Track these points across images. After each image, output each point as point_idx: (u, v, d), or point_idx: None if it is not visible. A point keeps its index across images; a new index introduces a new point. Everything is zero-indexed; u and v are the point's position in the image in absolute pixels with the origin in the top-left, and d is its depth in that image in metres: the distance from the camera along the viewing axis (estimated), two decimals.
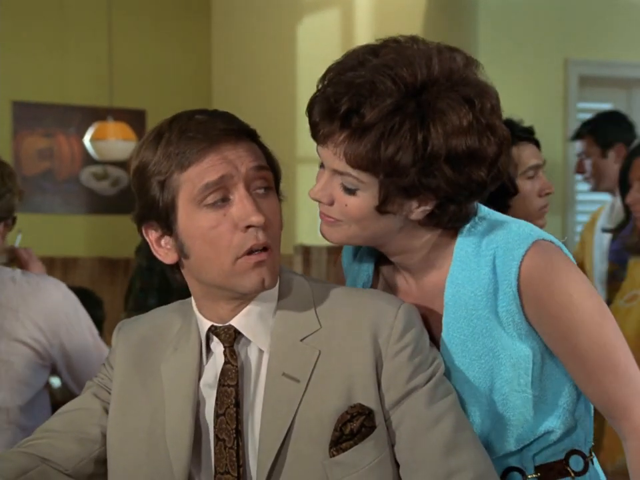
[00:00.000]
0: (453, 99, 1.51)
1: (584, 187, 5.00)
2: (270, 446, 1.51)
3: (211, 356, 1.60)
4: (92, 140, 6.28)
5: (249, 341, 1.58)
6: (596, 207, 5.02)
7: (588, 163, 4.28)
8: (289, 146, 5.91)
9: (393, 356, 1.53)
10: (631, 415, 1.57)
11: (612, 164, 4.19)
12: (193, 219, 1.53)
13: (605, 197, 5.04)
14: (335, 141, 1.53)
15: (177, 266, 1.61)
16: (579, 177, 4.94)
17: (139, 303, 4.40)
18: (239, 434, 1.54)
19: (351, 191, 1.55)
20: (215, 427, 1.56)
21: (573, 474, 1.67)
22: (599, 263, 3.95)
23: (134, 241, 4.09)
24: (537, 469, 1.67)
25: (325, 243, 1.73)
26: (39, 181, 7.24)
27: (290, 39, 6.65)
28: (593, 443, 1.73)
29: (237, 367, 1.56)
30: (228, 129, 1.54)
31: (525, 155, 2.59)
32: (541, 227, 2.08)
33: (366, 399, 1.51)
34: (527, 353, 1.60)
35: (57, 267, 6.72)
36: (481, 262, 1.59)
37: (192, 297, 1.64)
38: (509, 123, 2.58)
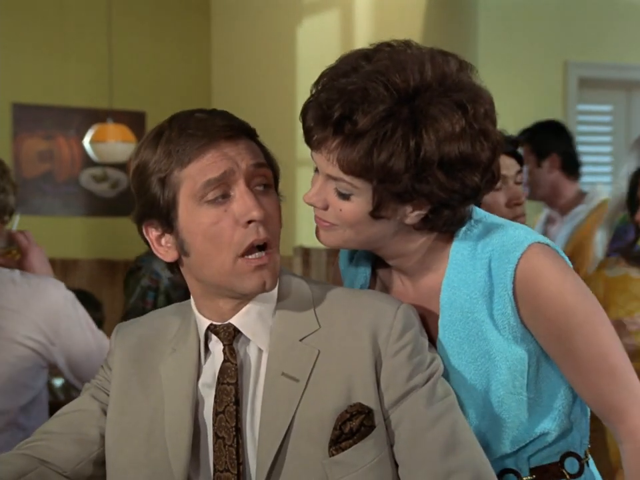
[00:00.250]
0: (445, 105, 1.51)
1: (584, 188, 5.00)
2: (269, 445, 1.52)
3: (209, 356, 1.61)
4: (92, 142, 6.28)
5: (248, 340, 1.58)
6: None
7: (525, 171, 4.29)
8: (289, 148, 5.91)
9: (392, 355, 1.53)
10: (626, 418, 1.57)
11: (545, 174, 4.20)
12: (193, 216, 1.53)
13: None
14: (328, 147, 1.53)
15: (176, 265, 1.61)
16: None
17: None
18: (238, 432, 1.55)
19: (344, 196, 1.56)
20: (214, 425, 1.56)
21: (568, 476, 1.68)
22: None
23: (133, 242, 4.08)
24: (532, 471, 1.67)
25: None
26: (38, 183, 7.24)
27: (290, 40, 6.65)
28: (589, 445, 1.73)
29: (236, 364, 1.56)
30: (228, 126, 1.55)
31: None
32: None
33: (365, 398, 1.51)
34: (523, 356, 1.60)
35: (57, 268, 6.68)
36: (477, 265, 1.60)
37: (191, 297, 1.64)
38: None
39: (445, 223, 1.59)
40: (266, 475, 1.51)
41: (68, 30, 7.24)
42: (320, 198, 1.58)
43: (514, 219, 2.46)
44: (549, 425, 1.63)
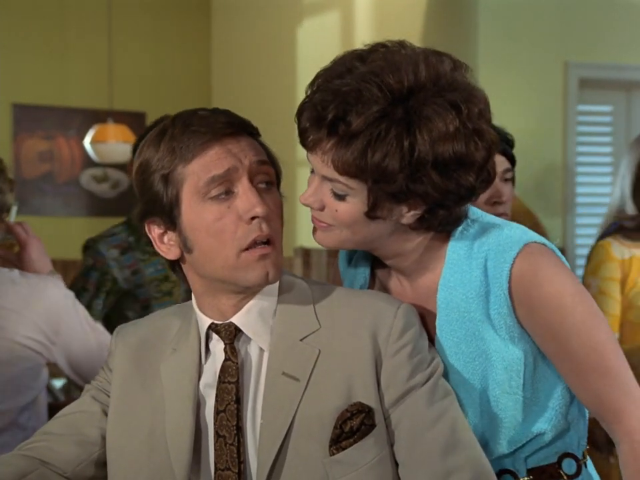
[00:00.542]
0: (439, 105, 1.52)
1: (584, 189, 5.01)
2: (270, 444, 1.52)
3: (210, 356, 1.61)
4: (92, 142, 6.28)
5: (249, 339, 1.58)
6: (596, 209, 5.03)
7: None
8: (289, 148, 5.89)
9: (392, 355, 1.53)
10: (623, 418, 1.57)
11: None
12: (197, 212, 1.53)
13: (606, 199, 5.05)
14: (323, 148, 1.54)
15: (177, 262, 1.62)
16: (579, 179, 4.94)
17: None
18: (239, 431, 1.55)
19: (340, 197, 1.56)
20: (215, 424, 1.56)
21: (565, 477, 1.68)
22: None
23: None
24: (530, 471, 1.67)
25: None
26: (39, 183, 7.24)
27: (290, 40, 6.65)
28: (587, 446, 1.73)
29: (237, 363, 1.57)
30: (231, 123, 1.56)
31: None
32: None
33: (366, 397, 1.52)
34: (519, 356, 1.60)
35: (57, 269, 6.69)
36: (473, 264, 1.60)
37: (192, 296, 1.64)
38: None
39: (440, 222, 1.60)
40: (267, 474, 1.51)
41: (68, 30, 7.25)
42: (316, 199, 1.59)
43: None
44: (546, 425, 1.63)
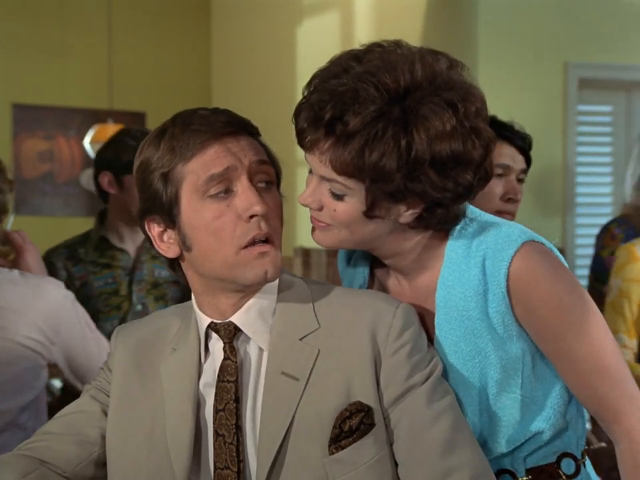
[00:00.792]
0: (436, 104, 1.52)
1: (584, 189, 5.01)
2: (270, 444, 1.52)
3: (209, 355, 1.61)
4: (92, 142, 6.28)
5: (249, 338, 1.58)
6: (596, 209, 5.03)
7: None
8: (289, 148, 5.90)
9: (391, 354, 1.53)
10: (622, 418, 1.57)
11: None
12: (196, 210, 1.54)
13: (606, 199, 5.05)
14: (321, 149, 1.54)
15: (176, 261, 1.62)
16: (579, 179, 4.94)
17: None
18: (238, 429, 1.55)
19: (338, 197, 1.57)
20: (214, 423, 1.56)
21: (564, 477, 1.68)
22: None
23: None
24: (528, 471, 1.67)
25: None
26: (39, 183, 7.24)
27: (290, 40, 6.65)
28: (585, 446, 1.73)
29: (236, 362, 1.57)
30: (231, 122, 1.56)
31: (497, 151, 2.53)
32: None
33: (365, 397, 1.52)
34: (517, 354, 1.60)
35: None
36: (471, 263, 1.60)
37: (192, 296, 1.64)
38: (498, 122, 2.54)
39: (439, 221, 1.60)
40: (266, 474, 1.52)
41: (68, 30, 7.24)
42: (314, 199, 1.59)
43: (501, 213, 2.42)
44: (544, 424, 1.63)
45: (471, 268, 1.60)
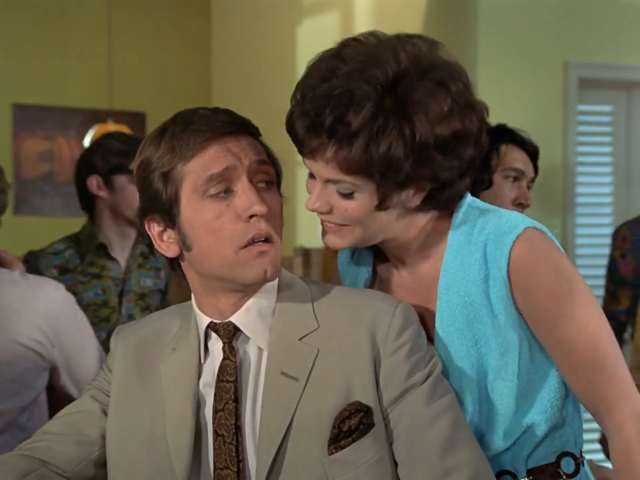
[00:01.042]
0: (427, 87, 1.54)
1: (584, 189, 5.00)
2: (270, 444, 1.52)
3: (209, 355, 1.61)
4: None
5: (248, 338, 1.58)
6: (597, 209, 5.02)
7: None
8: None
9: (390, 354, 1.53)
10: (615, 411, 1.57)
11: None
12: (196, 210, 1.54)
13: (606, 199, 5.04)
14: (324, 153, 1.55)
15: (176, 260, 1.62)
16: (579, 179, 4.94)
17: None
18: (238, 429, 1.55)
19: (347, 196, 1.58)
20: (214, 422, 1.56)
21: (564, 476, 1.68)
22: None
23: None
24: (529, 472, 1.67)
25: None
26: (39, 183, 7.24)
27: (290, 40, 6.65)
28: (582, 445, 1.73)
29: (235, 362, 1.57)
30: (231, 122, 1.57)
31: (512, 156, 2.62)
32: None
33: (364, 397, 1.52)
34: (515, 342, 1.61)
35: None
36: (473, 249, 1.62)
37: (192, 296, 1.64)
38: (509, 129, 2.62)
39: (446, 199, 1.63)
40: (266, 474, 1.52)
41: (68, 30, 7.24)
42: (322, 202, 1.60)
43: None
44: (539, 417, 1.64)
45: (472, 253, 1.61)
